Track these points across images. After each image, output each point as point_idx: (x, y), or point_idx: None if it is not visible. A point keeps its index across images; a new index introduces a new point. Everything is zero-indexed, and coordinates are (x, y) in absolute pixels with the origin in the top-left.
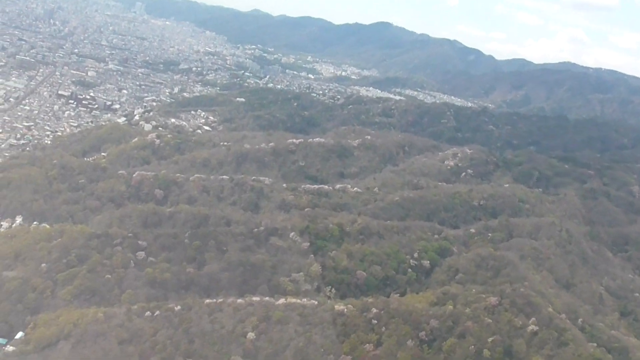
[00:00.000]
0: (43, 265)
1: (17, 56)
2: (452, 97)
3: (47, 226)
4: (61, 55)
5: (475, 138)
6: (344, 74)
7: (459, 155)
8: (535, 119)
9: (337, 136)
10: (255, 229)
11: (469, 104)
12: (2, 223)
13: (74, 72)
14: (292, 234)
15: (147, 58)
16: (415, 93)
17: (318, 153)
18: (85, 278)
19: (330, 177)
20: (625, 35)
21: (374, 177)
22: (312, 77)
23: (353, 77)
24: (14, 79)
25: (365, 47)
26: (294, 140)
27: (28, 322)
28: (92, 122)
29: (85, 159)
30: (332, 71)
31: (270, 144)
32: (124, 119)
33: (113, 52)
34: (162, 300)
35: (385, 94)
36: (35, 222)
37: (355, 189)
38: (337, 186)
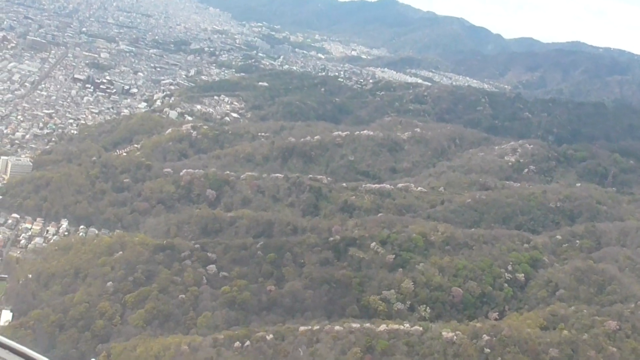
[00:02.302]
0: (109, 284)
1: (27, 37)
2: (468, 78)
3: (105, 237)
4: (70, 35)
5: (514, 127)
6: (354, 53)
7: (518, 150)
8: (572, 106)
9: (383, 128)
10: (331, 239)
11: (485, 86)
12: (48, 228)
13: (86, 53)
14: (372, 244)
15: (157, 37)
16: (431, 74)
17: (367, 147)
18: (158, 300)
19: (382, 173)
20: (626, 9)
21: (429, 174)
22: (323, 56)
23: (363, 56)
24: (27, 61)
25: (372, 25)
26: (340, 133)
27: (99, 351)
28: (112, 107)
29: (118, 151)
30: (342, 50)
31: (316, 137)
32: (144, 104)
33: (121, 31)
34: (243, 324)
35: (402, 76)
36: (82, 226)
37: (419, 188)
38: (399, 185)
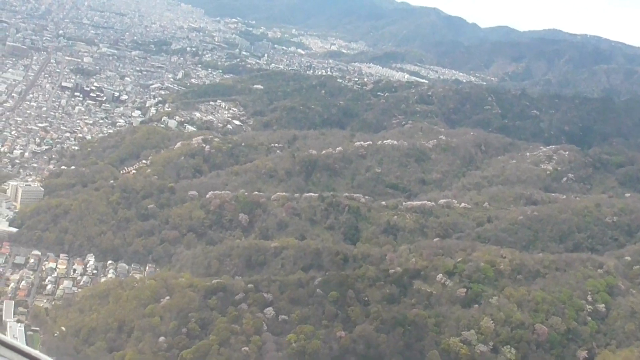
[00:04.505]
0: (161, 339)
1: (6, 42)
2: (453, 71)
3: (147, 280)
4: (49, 38)
5: (525, 126)
6: (334, 48)
7: (554, 157)
8: (579, 102)
9: (404, 136)
10: (392, 270)
11: (472, 78)
12: (74, 267)
13: (69, 58)
14: (438, 276)
15: (135, 37)
16: (417, 68)
17: (394, 158)
18: (219, 354)
19: (412, 185)
20: None
21: (463, 185)
22: (304, 52)
23: (344, 51)
24: (10, 69)
25: (347, 18)
26: (362, 143)
27: None
28: (106, 117)
29: (126, 168)
30: (321, 45)
31: (338, 149)
32: (138, 112)
33: (98, 32)
34: None
35: (388, 71)
36: (110, 262)
37: (463, 204)
38: (441, 201)
